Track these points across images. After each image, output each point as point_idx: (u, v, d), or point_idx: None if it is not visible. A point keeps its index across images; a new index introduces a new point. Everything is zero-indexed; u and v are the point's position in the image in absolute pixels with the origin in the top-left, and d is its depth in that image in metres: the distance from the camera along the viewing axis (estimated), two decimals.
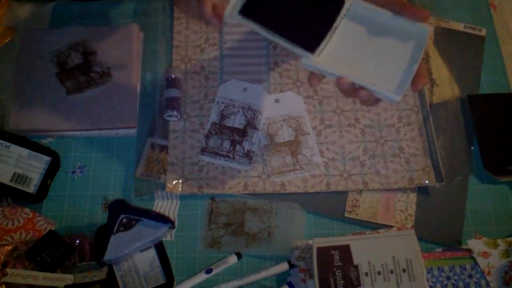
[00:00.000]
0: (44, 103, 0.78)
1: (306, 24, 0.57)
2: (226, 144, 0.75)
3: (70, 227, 0.72)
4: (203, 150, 0.74)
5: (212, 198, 0.73)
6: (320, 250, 0.65)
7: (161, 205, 0.73)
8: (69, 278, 0.66)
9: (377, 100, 0.57)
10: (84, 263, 0.68)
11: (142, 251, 0.69)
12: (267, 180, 0.73)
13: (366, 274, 0.63)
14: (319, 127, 0.77)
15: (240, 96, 0.78)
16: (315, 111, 0.78)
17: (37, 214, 0.71)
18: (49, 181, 0.74)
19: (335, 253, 0.64)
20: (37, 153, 0.74)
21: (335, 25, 0.56)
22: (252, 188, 0.73)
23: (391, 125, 0.77)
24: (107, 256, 0.66)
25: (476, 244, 0.69)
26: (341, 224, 0.72)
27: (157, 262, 0.69)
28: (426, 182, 0.73)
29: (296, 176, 0.73)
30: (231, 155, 0.74)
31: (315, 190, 0.72)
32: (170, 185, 0.73)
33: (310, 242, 0.68)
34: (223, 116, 0.77)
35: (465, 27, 0.85)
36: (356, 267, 0.64)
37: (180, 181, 0.73)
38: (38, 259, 0.66)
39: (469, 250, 0.69)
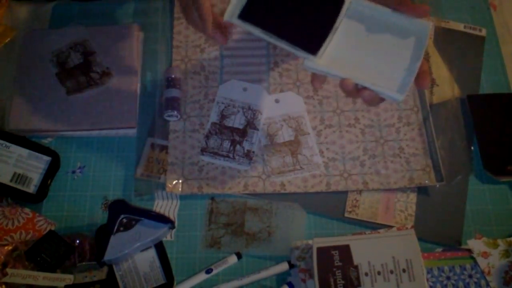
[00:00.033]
0: (44, 103, 0.78)
1: (307, 26, 0.56)
2: (226, 144, 0.75)
3: (70, 227, 0.72)
4: (203, 150, 0.74)
5: (212, 198, 0.73)
6: (320, 250, 0.65)
7: (161, 205, 0.73)
8: (69, 278, 0.66)
9: (380, 100, 0.57)
10: (84, 263, 0.68)
11: (142, 251, 0.69)
12: (267, 180, 0.73)
13: (366, 274, 0.63)
14: (319, 127, 0.77)
15: (240, 96, 0.78)
16: (315, 111, 0.78)
17: (37, 214, 0.71)
18: (49, 181, 0.74)
19: (335, 253, 0.64)
20: (37, 153, 0.74)
21: (336, 25, 0.56)
22: (252, 188, 0.73)
23: (391, 125, 0.77)
24: (107, 256, 0.66)
25: (476, 244, 0.69)
26: (341, 224, 0.72)
27: (157, 262, 0.69)
28: (426, 182, 0.73)
29: (296, 176, 0.73)
30: (231, 155, 0.74)
31: (315, 190, 0.72)
32: (170, 185, 0.73)
33: (310, 242, 0.68)
34: (223, 116, 0.77)
35: (465, 27, 0.85)
36: (356, 267, 0.64)
37: (180, 181, 0.73)
38: (38, 259, 0.66)
39: (469, 250, 0.69)
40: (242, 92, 0.78)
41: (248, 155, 0.74)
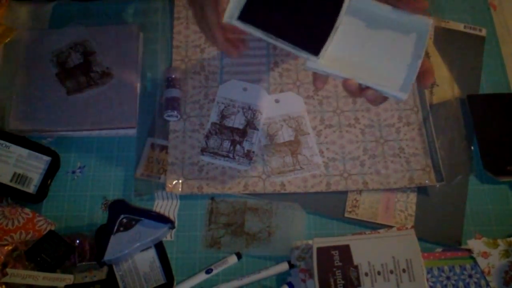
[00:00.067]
0: (44, 103, 0.78)
1: (308, 25, 0.55)
2: (226, 144, 0.75)
3: (70, 227, 0.72)
4: (203, 150, 0.74)
5: (212, 198, 0.73)
6: (320, 250, 0.65)
7: (161, 205, 0.73)
8: (69, 278, 0.66)
9: (384, 99, 0.56)
10: (84, 263, 0.68)
11: (142, 251, 0.69)
12: (267, 180, 0.73)
13: (366, 274, 0.63)
14: (319, 127, 0.77)
15: (240, 96, 0.78)
16: (315, 111, 0.78)
17: (37, 214, 0.71)
18: (49, 181, 0.74)
19: (335, 253, 0.64)
20: (37, 153, 0.74)
21: (336, 24, 0.55)
22: (252, 188, 0.73)
23: (391, 125, 0.77)
24: (107, 256, 0.66)
25: (476, 244, 0.69)
26: (341, 224, 0.72)
27: (157, 262, 0.69)
28: (426, 182, 0.73)
29: (296, 176, 0.73)
30: (231, 155, 0.74)
31: (315, 190, 0.72)
32: (170, 185, 0.73)
33: (310, 242, 0.68)
34: (223, 116, 0.77)
35: (465, 27, 0.85)
36: (356, 267, 0.64)
37: (180, 181, 0.73)
38: (38, 259, 0.66)
39: (469, 250, 0.69)
40: (242, 92, 0.78)
41: (248, 155, 0.74)
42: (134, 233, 0.68)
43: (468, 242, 0.70)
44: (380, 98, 0.56)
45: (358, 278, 0.63)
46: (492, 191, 0.74)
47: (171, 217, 0.72)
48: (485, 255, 0.69)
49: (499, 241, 0.70)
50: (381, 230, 0.68)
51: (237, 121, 0.76)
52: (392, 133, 0.76)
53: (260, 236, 0.70)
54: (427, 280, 0.66)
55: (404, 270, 0.63)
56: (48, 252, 0.67)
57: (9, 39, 0.84)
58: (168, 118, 0.77)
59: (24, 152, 0.74)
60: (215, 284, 0.68)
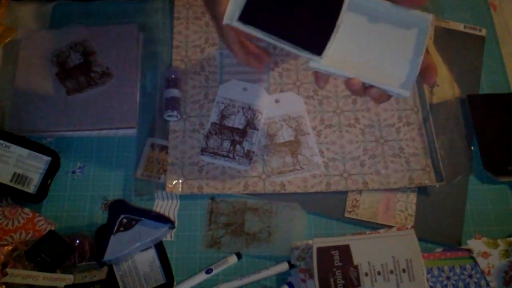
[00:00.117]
0: (44, 103, 0.78)
1: (309, 25, 0.55)
2: (226, 144, 0.75)
3: (70, 227, 0.72)
4: (203, 150, 0.74)
5: (212, 198, 0.73)
6: (320, 250, 0.65)
7: (161, 205, 0.73)
8: (69, 278, 0.66)
9: (388, 97, 0.56)
10: (84, 263, 0.68)
11: (142, 251, 0.69)
12: (267, 180, 0.73)
13: (366, 274, 0.63)
14: (319, 127, 0.77)
15: (240, 96, 0.78)
16: (315, 111, 0.78)
17: (37, 214, 0.71)
18: (49, 181, 0.74)
19: (335, 253, 0.64)
20: (37, 153, 0.74)
21: (338, 23, 0.55)
22: (252, 188, 0.73)
23: (391, 125, 0.77)
24: (107, 256, 0.66)
25: (476, 244, 0.69)
26: (341, 224, 0.72)
27: (157, 262, 0.69)
28: (426, 182, 0.73)
29: (296, 176, 0.73)
30: (231, 155, 0.74)
31: (315, 190, 0.72)
32: (170, 185, 0.73)
33: (310, 242, 0.68)
34: (223, 116, 0.77)
35: (465, 27, 0.85)
36: (356, 267, 0.64)
37: (180, 181, 0.73)
38: (38, 259, 0.66)
39: (469, 250, 0.69)
40: (242, 92, 0.78)
41: (248, 155, 0.74)
42: (134, 233, 0.68)
43: (468, 242, 0.70)
44: (384, 96, 0.56)
45: (358, 278, 0.63)
46: (492, 191, 0.74)
47: (171, 217, 0.72)
48: (485, 255, 0.69)
49: (499, 241, 0.70)
50: (381, 230, 0.68)
51: (237, 121, 0.76)
52: (392, 133, 0.76)
53: (260, 236, 0.70)
54: (427, 280, 0.66)
55: (404, 270, 0.63)
56: (48, 252, 0.67)
57: (9, 39, 0.84)
58: (168, 118, 0.77)
59: (24, 152, 0.74)
60: (215, 284, 0.68)
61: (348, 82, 0.55)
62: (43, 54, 0.81)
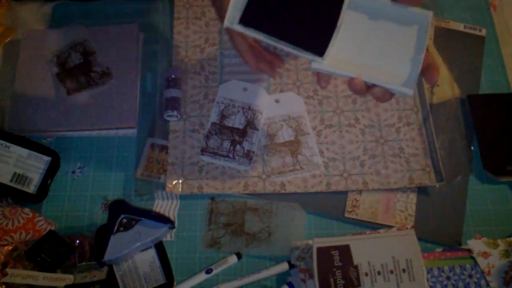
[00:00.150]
0: (44, 103, 0.78)
1: (310, 26, 0.55)
2: (226, 144, 0.75)
3: (70, 227, 0.72)
4: (203, 150, 0.74)
5: (212, 198, 0.73)
6: (320, 250, 0.65)
7: (161, 205, 0.73)
8: (69, 278, 0.66)
9: (391, 95, 0.56)
10: (84, 263, 0.68)
11: (142, 251, 0.69)
12: (267, 180, 0.73)
13: (366, 274, 0.63)
14: (319, 127, 0.77)
15: (240, 96, 0.78)
16: (315, 111, 0.78)
17: (37, 214, 0.71)
18: (49, 181, 0.74)
19: (335, 253, 0.64)
20: (37, 153, 0.74)
21: (339, 23, 0.55)
22: (252, 188, 0.73)
23: (391, 125, 0.77)
24: (107, 256, 0.66)
25: (476, 244, 0.69)
26: (341, 224, 0.72)
27: (157, 262, 0.69)
28: (426, 182, 0.73)
29: (296, 176, 0.73)
30: (231, 155, 0.74)
31: (315, 190, 0.72)
32: (170, 185, 0.73)
33: (310, 242, 0.68)
34: (223, 116, 0.77)
35: (465, 27, 0.85)
36: (356, 267, 0.64)
37: (180, 181, 0.73)
38: (38, 259, 0.66)
39: (469, 250, 0.69)
40: (242, 92, 0.78)
41: (248, 155, 0.74)
42: (134, 233, 0.68)
43: (468, 242, 0.70)
44: (387, 95, 0.56)
45: (358, 278, 0.63)
46: (492, 191, 0.74)
47: (171, 217, 0.72)
48: (485, 255, 0.69)
49: (499, 241, 0.70)
50: (381, 230, 0.68)
51: (237, 121, 0.76)
52: (392, 133, 0.76)
53: (260, 236, 0.70)
54: (427, 280, 0.66)
55: (404, 270, 0.63)
56: (48, 252, 0.67)
57: (9, 39, 0.84)
58: (168, 118, 0.77)
59: (24, 152, 0.74)
60: (215, 284, 0.68)
61: (350, 82, 0.55)
62: (43, 54, 0.81)
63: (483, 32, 0.85)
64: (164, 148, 0.76)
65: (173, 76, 0.78)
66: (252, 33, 0.55)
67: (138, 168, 0.75)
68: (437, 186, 0.73)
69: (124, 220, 0.69)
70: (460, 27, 0.85)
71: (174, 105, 0.76)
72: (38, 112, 0.77)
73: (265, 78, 0.80)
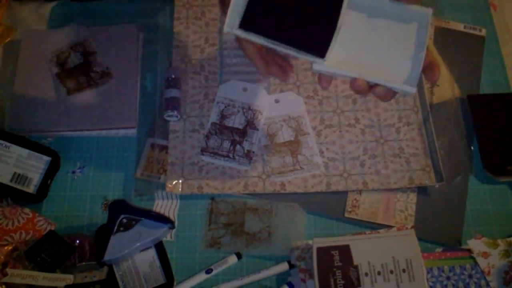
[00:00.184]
0: (44, 103, 0.78)
1: (310, 27, 0.55)
2: (226, 144, 0.75)
3: (70, 227, 0.72)
4: (203, 150, 0.74)
5: (212, 198, 0.73)
6: (320, 250, 0.65)
7: (161, 205, 0.73)
8: (69, 278, 0.66)
9: (394, 94, 0.56)
10: (84, 263, 0.68)
11: (142, 251, 0.69)
12: (267, 180, 0.73)
13: (366, 274, 0.63)
14: (319, 127, 0.77)
15: (240, 96, 0.78)
16: (315, 111, 0.78)
17: (37, 214, 0.71)
18: (49, 181, 0.74)
19: (335, 253, 0.64)
20: (37, 153, 0.74)
21: (339, 23, 0.55)
22: (252, 188, 0.73)
23: (391, 125, 0.77)
24: (107, 256, 0.66)
25: (476, 244, 0.69)
26: (341, 224, 0.72)
27: (157, 262, 0.69)
28: (426, 182, 0.73)
29: (296, 176, 0.73)
30: (231, 155, 0.74)
31: (315, 190, 0.72)
32: (170, 185, 0.73)
33: (310, 242, 0.68)
34: (223, 116, 0.77)
35: (465, 27, 0.85)
36: (356, 267, 0.64)
37: (180, 181, 0.73)
38: (38, 259, 0.66)
39: (469, 250, 0.69)
40: (242, 92, 0.78)
41: (248, 155, 0.74)
42: (134, 233, 0.68)
43: (468, 242, 0.70)
44: (389, 94, 0.56)
45: (358, 278, 0.63)
46: (492, 191, 0.74)
47: (171, 217, 0.72)
48: (485, 255, 0.69)
49: (499, 241, 0.70)
50: (381, 230, 0.68)
51: (237, 121, 0.76)
52: (392, 133, 0.76)
53: (260, 236, 0.70)
54: (427, 280, 0.66)
55: (404, 270, 0.63)
56: (48, 252, 0.67)
57: (9, 39, 0.84)
58: (168, 118, 0.77)
59: (24, 152, 0.74)
60: (215, 284, 0.68)
61: (353, 83, 0.54)
62: (43, 54, 0.81)
63: (483, 32, 0.85)
64: (164, 148, 0.76)
65: (173, 76, 0.78)
66: (252, 38, 0.54)
67: (138, 168, 0.75)
68: (437, 186, 0.73)
69: (124, 220, 0.69)
70: (460, 27, 0.85)
71: (174, 105, 0.76)
72: (38, 112, 0.77)
73: (265, 78, 0.80)
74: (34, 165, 0.74)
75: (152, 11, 0.86)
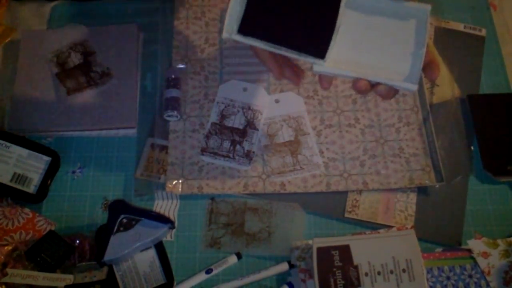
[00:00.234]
0: (44, 103, 0.77)
1: (309, 29, 0.55)
2: (226, 144, 0.75)
3: (70, 227, 0.72)
4: (203, 150, 0.74)
5: (212, 198, 0.73)
6: (320, 250, 0.65)
7: (161, 205, 0.73)
8: (69, 278, 0.66)
9: (396, 92, 0.56)
10: (84, 263, 0.68)
11: (142, 251, 0.69)
12: (267, 180, 0.73)
13: (366, 274, 0.63)
14: (319, 127, 0.77)
15: (240, 96, 0.78)
16: (315, 111, 0.78)
17: (37, 214, 0.71)
18: (49, 181, 0.74)
19: (335, 253, 0.64)
20: (37, 153, 0.74)
21: (337, 24, 0.55)
22: (252, 188, 0.73)
23: (391, 125, 0.77)
24: (107, 256, 0.66)
25: (476, 244, 0.69)
26: (341, 224, 0.72)
27: (157, 262, 0.69)
28: (426, 182, 0.73)
29: (296, 176, 0.73)
30: (231, 155, 0.74)
31: (315, 190, 0.72)
32: (170, 185, 0.73)
33: (310, 242, 0.68)
34: (223, 116, 0.77)
35: (465, 27, 0.85)
36: (356, 267, 0.64)
37: (180, 181, 0.73)
38: (38, 259, 0.66)
39: (469, 250, 0.69)
40: (242, 92, 0.78)
41: (248, 155, 0.74)
42: (134, 233, 0.68)
43: (468, 242, 0.70)
44: (391, 92, 0.56)
45: (358, 278, 0.63)
46: (492, 191, 0.74)
47: (171, 217, 0.72)
48: (485, 255, 0.69)
49: (499, 241, 0.70)
50: (381, 230, 0.68)
51: (237, 121, 0.76)
52: (392, 133, 0.76)
53: (260, 236, 0.70)
54: (427, 280, 0.66)
55: (404, 270, 0.63)
56: (48, 252, 0.67)
57: (9, 39, 0.84)
58: (168, 118, 0.77)
59: (24, 152, 0.74)
60: (215, 284, 0.68)
61: (356, 83, 0.54)
62: (43, 54, 0.81)
63: (483, 32, 0.85)
64: (164, 148, 0.76)
65: (173, 76, 0.78)
66: (251, 42, 0.54)
67: (138, 168, 0.75)
68: (437, 186, 0.73)
69: (124, 220, 0.69)
70: (460, 27, 0.85)
71: (174, 105, 0.76)
72: (38, 112, 0.77)
73: (265, 78, 0.80)
74: (34, 165, 0.74)
75: (152, 11, 0.86)
